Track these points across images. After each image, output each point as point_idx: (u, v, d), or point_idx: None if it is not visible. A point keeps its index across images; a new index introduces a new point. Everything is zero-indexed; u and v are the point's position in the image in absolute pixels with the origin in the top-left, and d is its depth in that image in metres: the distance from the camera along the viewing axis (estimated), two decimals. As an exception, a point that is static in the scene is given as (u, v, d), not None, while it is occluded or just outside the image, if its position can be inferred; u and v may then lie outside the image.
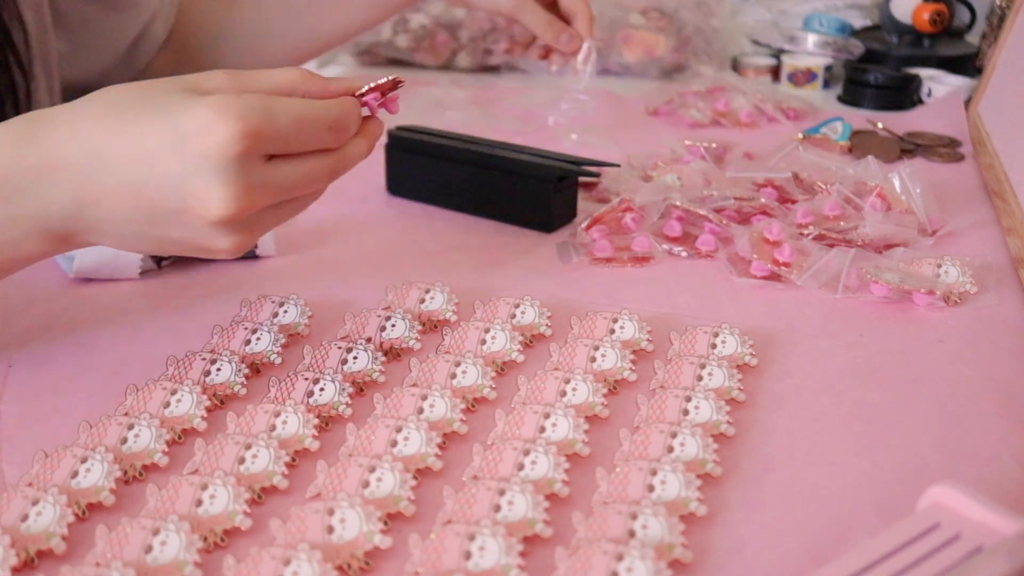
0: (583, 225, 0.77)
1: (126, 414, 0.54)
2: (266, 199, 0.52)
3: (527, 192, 0.78)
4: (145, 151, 0.50)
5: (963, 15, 1.28)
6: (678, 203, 0.77)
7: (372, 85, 0.57)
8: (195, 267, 0.72)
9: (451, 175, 0.82)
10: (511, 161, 0.79)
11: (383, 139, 0.86)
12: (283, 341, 0.61)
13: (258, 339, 0.61)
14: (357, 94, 0.56)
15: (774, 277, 0.70)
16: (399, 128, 0.86)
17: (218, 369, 0.58)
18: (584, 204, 0.83)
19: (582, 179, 0.85)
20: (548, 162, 0.78)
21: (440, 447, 0.51)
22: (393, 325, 0.63)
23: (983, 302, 0.67)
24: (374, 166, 0.89)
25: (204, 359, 0.59)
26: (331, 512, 0.45)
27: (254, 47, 0.95)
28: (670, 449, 0.50)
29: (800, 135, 1.00)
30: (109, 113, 0.52)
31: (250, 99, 0.50)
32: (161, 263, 0.71)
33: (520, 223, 0.80)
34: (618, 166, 0.84)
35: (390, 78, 0.58)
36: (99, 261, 0.69)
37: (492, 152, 0.80)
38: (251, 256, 0.73)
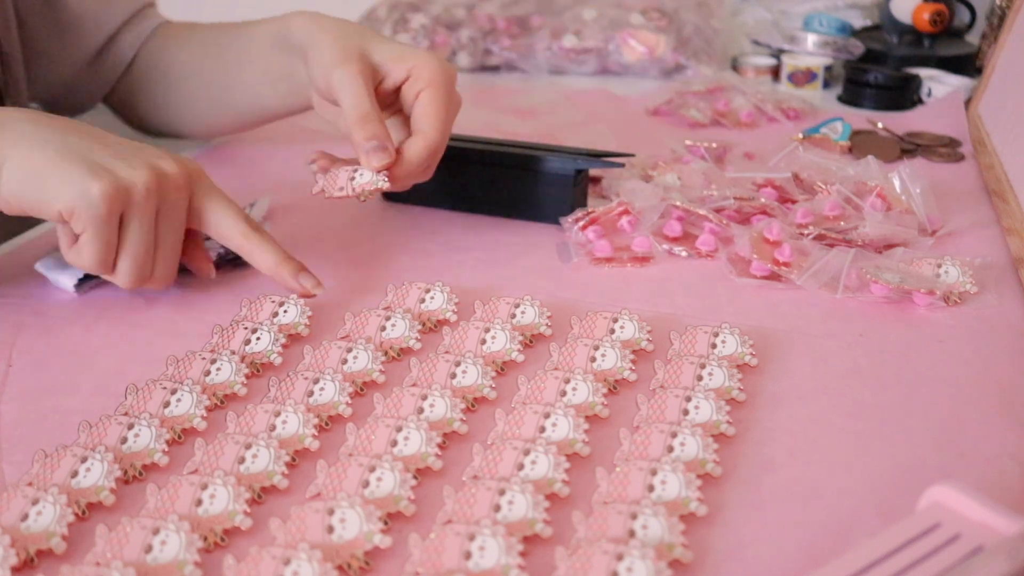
0: (580, 224, 0.77)
1: (126, 414, 0.54)
2: None
3: (545, 186, 0.78)
4: None
5: (963, 15, 1.28)
6: (678, 203, 0.77)
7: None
8: (195, 267, 0.72)
9: (459, 176, 0.81)
10: (527, 157, 0.79)
11: None
12: (283, 341, 0.61)
13: (258, 339, 0.61)
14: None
15: (774, 277, 0.70)
16: None
17: (218, 369, 0.58)
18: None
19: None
20: (565, 156, 0.78)
21: (440, 447, 0.51)
22: (393, 325, 0.63)
23: (983, 302, 0.67)
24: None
25: (204, 359, 0.59)
26: (331, 512, 0.45)
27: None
28: (670, 449, 0.50)
29: (800, 135, 0.99)
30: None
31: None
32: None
33: (534, 218, 0.80)
34: (633, 156, 0.84)
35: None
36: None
37: (504, 151, 0.80)
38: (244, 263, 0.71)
